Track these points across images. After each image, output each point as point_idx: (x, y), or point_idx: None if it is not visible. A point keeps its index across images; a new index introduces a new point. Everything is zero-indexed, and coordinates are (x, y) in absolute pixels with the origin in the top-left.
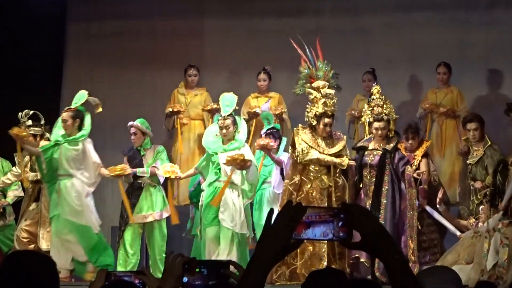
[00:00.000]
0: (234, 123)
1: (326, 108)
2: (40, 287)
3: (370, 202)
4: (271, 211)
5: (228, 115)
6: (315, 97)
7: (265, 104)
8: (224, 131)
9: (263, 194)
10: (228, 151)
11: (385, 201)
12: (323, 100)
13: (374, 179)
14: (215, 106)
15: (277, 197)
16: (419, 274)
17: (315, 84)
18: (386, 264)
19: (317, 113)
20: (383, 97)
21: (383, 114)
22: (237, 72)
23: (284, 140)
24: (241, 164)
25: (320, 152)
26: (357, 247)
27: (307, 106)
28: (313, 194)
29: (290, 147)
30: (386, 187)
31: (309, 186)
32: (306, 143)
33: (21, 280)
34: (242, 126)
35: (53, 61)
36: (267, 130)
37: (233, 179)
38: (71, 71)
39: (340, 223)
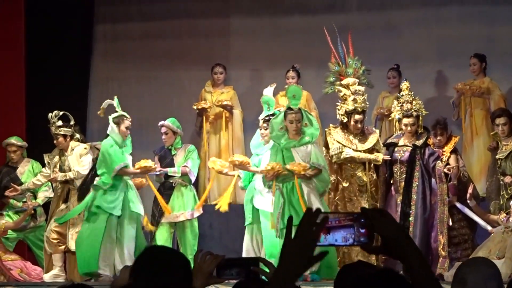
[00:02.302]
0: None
1: (356, 105)
2: (173, 280)
3: (401, 198)
4: (290, 219)
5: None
6: (344, 94)
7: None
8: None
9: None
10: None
11: (415, 197)
12: (352, 97)
13: (404, 175)
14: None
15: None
16: (461, 267)
17: (344, 82)
18: (408, 266)
19: (348, 110)
20: (412, 93)
21: (412, 110)
22: (263, 70)
23: None
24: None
25: (353, 150)
26: (378, 251)
27: (337, 103)
28: (351, 192)
29: (323, 147)
30: (416, 183)
31: (346, 184)
32: (339, 142)
33: (156, 273)
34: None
35: (81, 61)
36: (266, 116)
37: None
38: (98, 71)
39: (361, 228)
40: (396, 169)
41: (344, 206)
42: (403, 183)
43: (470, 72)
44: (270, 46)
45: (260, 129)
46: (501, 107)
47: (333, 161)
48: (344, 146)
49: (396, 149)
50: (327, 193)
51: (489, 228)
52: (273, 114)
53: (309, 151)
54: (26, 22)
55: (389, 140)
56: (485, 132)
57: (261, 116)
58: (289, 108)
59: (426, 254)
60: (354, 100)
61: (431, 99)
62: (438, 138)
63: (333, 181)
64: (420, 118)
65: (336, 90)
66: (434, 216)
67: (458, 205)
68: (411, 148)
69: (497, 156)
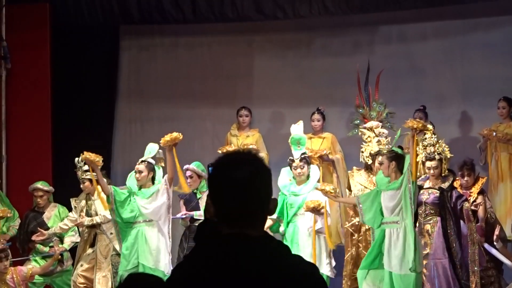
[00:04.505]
0: (150, 169)
1: (380, 147)
2: None
3: (425, 240)
4: None
5: (142, 161)
6: (368, 136)
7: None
8: (137, 175)
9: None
10: (143, 197)
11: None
12: (377, 138)
13: (428, 217)
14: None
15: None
16: None
17: (368, 125)
18: None
19: (372, 152)
20: (436, 136)
21: (435, 154)
22: (285, 111)
23: (313, 168)
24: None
25: None
26: None
27: (362, 145)
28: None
29: (346, 190)
30: (449, 225)
31: (367, 226)
32: (361, 184)
33: None
34: (158, 174)
35: (105, 103)
36: (302, 155)
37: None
38: (122, 113)
39: None
40: (420, 211)
41: (365, 248)
42: (427, 225)
43: (495, 113)
44: (293, 87)
45: (296, 169)
46: None
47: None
48: (366, 188)
49: (421, 191)
50: (349, 235)
51: None
52: (304, 153)
53: (391, 195)
54: (52, 66)
55: None
56: (511, 175)
57: (296, 155)
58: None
59: None
60: (379, 142)
61: (456, 140)
62: (465, 179)
63: (357, 223)
64: (444, 161)
65: (360, 133)
66: (466, 257)
67: (486, 246)
68: (436, 190)
69: None
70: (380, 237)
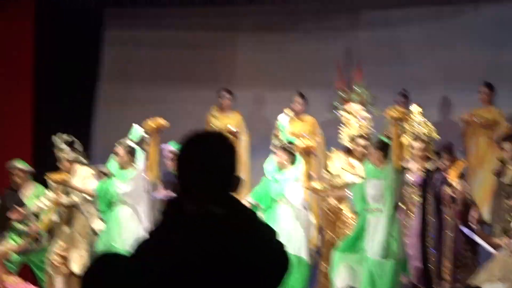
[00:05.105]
0: (127, 151)
1: (359, 130)
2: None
3: (412, 223)
4: None
5: (120, 143)
6: (346, 119)
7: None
8: (117, 157)
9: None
10: (123, 180)
11: (431, 219)
12: (355, 120)
13: (413, 198)
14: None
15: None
16: None
17: (348, 107)
18: None
19: (352, 135)
20: (423, 116)
21: (422, 134)
22: (266, 93)
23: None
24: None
25: (352, 173)
26: None
27: (340, 128)
28: (347, 215)
29: (325, 171)
30: (431, 206)
31: (343, 207)
32: (342, 168)
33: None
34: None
35: (87, 84)
36: (281, 143)
37: None
38: (103, 94)
39: None
40: (405, 192)
41: (333, 231)
42: (411, 207)
43: (476, 98)
44: (275, 70)
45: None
46: (509, 132)
47: (333, 185)
48: (344, 170)
49: (407, 173)
50: (326, 215)
51: (493, 251)
52: (290, 142)
53: (375, 183)
54: (35, 46)
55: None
56: (489, 159)
57: (275, 143)
58: None
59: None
60: (358, 125)
61: (437, 124)
62: (444, 162)
63: (333, 205)
64: (431, 142)
65: (340, 115)
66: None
67: (464, 229)
68: (422, 171)
69: (505, 182)
70: (361, 223)
